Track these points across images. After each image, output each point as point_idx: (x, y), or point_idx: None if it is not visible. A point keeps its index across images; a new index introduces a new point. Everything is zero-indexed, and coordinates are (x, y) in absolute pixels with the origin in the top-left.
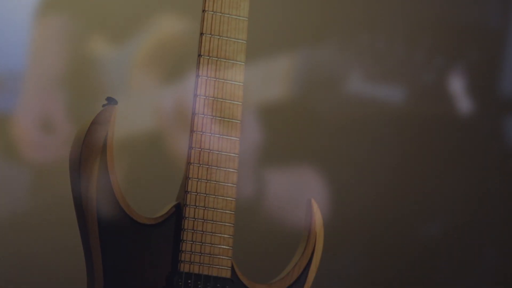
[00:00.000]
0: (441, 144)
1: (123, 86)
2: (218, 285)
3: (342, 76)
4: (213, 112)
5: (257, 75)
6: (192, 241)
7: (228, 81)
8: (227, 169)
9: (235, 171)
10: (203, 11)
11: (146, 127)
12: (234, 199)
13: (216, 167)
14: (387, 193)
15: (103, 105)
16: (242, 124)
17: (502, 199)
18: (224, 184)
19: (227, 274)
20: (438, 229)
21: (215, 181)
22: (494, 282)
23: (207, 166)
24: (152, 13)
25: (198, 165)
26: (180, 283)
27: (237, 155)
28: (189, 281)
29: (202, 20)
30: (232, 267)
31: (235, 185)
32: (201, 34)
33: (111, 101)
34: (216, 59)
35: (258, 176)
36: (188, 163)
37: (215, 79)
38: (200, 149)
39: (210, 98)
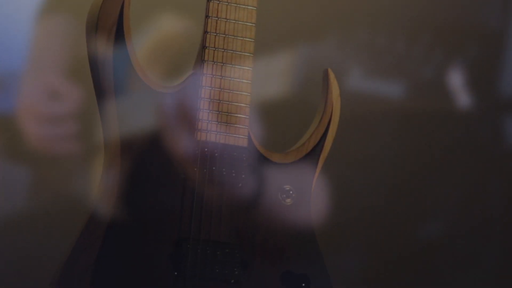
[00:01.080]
0: (440, 142)
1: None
2: (235, 153)
3: (341, 72)
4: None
5: (257, 72)
6: (209, 109)
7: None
8: (244, 39)
9: (252, 40)
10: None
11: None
12: (251, 68)
13: (233, 36)
14: (386, 190)
15: None
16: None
17: (502, 198)
18: (240, 53)
19: (243, 143)
20: (438, 228)
21: (232, 50)
22: (494, 282)
23: (224, 35)
24: (155, 11)
25: (215, 34)
26: (197, 152)
27: (254, 25)
28: (206, 150)
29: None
30: (249, 136)
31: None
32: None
33: None
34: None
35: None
36: (205, 32)
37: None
38: (217, 18)
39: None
